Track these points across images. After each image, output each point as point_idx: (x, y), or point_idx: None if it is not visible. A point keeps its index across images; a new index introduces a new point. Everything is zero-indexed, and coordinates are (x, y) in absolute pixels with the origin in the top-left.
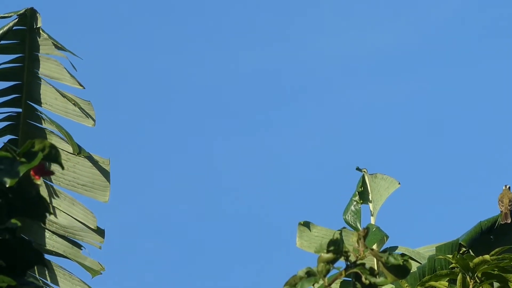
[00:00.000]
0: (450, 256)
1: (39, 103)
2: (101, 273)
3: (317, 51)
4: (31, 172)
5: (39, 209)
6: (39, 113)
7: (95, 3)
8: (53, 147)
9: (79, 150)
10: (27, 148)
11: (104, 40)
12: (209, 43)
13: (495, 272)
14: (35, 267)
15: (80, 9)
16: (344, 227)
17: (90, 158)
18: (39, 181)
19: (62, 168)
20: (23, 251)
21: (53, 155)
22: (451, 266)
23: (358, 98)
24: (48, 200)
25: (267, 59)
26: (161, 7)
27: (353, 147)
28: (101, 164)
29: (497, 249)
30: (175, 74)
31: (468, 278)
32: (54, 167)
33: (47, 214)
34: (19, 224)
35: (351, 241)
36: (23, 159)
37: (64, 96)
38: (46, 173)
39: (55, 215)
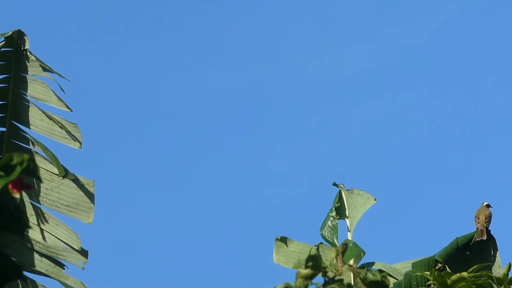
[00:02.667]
0: (428, 273)
1: (25, 124)
2: None
3: (299, 69)
4: (9, 186)
5: (18, 222)
6: (24, 134)
7: (83, 26)
8: (31, 160)
9: (65, 173)
10: (5, 162)
11: (91, 62)
12: (193, 60)
13: None
14: (19, 284)
15: (67, 31)
16: (321, 243)
17: (75, 179)
18: (18, 195)
19: (40, 182)
20: (1, 264)
21: (32, 169)
22: (428, 283)
23: (335, 115)
24: (33, 219)
25: (247, 76)
26: (148, 28)
27: (330, 163)
28: (86, 186)
29: (474, 266)
30: (160, 94)
31: None
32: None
33: (26, 228)
34: None
35: (328, 257)
36: (1, 173)
37: (50, 118)
38: (25, 187)
39: (42, 235)
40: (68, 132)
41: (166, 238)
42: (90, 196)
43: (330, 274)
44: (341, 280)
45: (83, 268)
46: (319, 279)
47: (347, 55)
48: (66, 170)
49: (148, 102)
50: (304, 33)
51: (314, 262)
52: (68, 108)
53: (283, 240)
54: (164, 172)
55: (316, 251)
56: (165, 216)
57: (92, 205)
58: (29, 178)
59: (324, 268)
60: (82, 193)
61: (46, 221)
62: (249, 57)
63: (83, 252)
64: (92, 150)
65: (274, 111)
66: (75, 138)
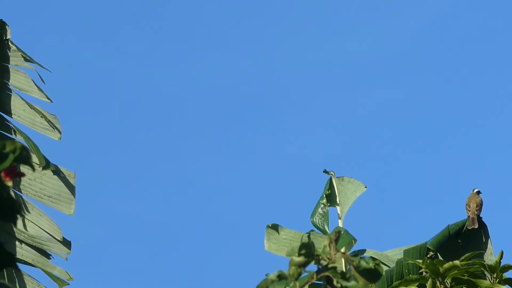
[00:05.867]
0: (420, 261)
1: (8, 113)
2: (69, 284)
3: (292, 58)
4: (2, 174)
5: (10, 211)
6: (7, 123)
7: (64, 16)
8: (24, 148)
9: (45, 164)
10: None
11: (72, 53)
12: (177, 49)
13: (465, 278)
14: (5, 273)
15: (49, 21)
16: (312, 230)
17: (56, 171)
18: (10, 183)
19: (33, 170)
20: None
21: (24, 157)
22: (420, 271)
23: (329, 103)
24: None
25: (240, 65)
26: (132, 17)
27: (321, 150)
28: (67, 177)
29: (467, 255)
30: (141, 86)
31: (438, 283)
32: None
33: (18, 216)
34: None
35: (319, 244)
36: None
37: (32, 107)
38: (17, 175)
39: (24, 224)
40: (49, 122)
41: (151, 227)
42: (71, 187)
43: (324, 262)
44: (335, 268)
45: (66, 259)
46: (312, 266)
47: (341, 44)
48: (47, 161)
49: (131, 94)
50: (298, 23)
51: (308, 250)
52: (48, 99)
53: (274, 227)
54: (148, 162)
55: (307, 238)
56: (149, 205)
57: (73, 196)
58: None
59: (318, 256)
60: (63, 184)
61: (29, 211)
62: (241, 47)
63: (66, 243)
64: (73, 142)
65: (265, 101)
66: (55, 128)
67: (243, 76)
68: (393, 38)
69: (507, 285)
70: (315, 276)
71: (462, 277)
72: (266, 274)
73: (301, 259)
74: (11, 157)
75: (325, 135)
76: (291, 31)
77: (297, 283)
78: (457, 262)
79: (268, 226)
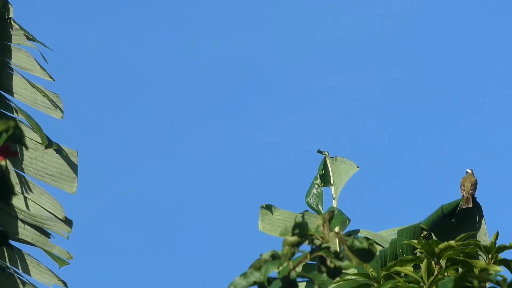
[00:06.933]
0: (415, 241)
1: (9, 92)
2: (69, 263)
3: (289, 38)
4: None
5: (3, 190)
6: (9, 102)
7: None
8: (17, 127)
9: (47, 143)
10: None
11: (74, 32)
12: (177, 30)
13: (460, 258)
14: (5, 253)
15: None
16: (306, 210)
17: (58, 149)
18: (3, 162)
19: (27, 148)
20: None
21: (17, 136)
22: (415, 251)
23: (322, 84)
24: (18, 188)
25: (238, 46)
26: (133, 2)
27: (315, 130)
28: (69, 156)
29: (462, 235)
30: (143, 66)
31: (433, 264)
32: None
33: (12, 195)
34: None
35: (314, 224)
36: None
37: (33, 86)
38: (11, 154)
39: (26, 203)
40: (51, 101)
41: (150, 207)
42: (73, 166)
43: (317, 242)
44: (328, 248)
45: (67, 238)
46: (305, 246)
47: (334, 25)
48: (49, 140)
49: (133, 72)
50: (293, 2)
51: (301, 230)
52: (51, 77)
53: (268, 208)
54: (150, 142)
55: (301, 218)
56: (149, 185)
57: (75, 175)
58: (15, 145)
59: (311, 235)
60: (65, 163)
61: (31, 190)
62: (238, 26)
63: (67, 222)
64: (75, 121)
65: (262, 82)
66: (57, 107)
67: (238, 54)
68: (379, 21)
69: (502, 266)
70: (308, 256)
71: (458, 258)
72: (260, 254)
73: (294, 238)
74: (4, 136)
75: (318, 116)
76: (283, 14)
77: (291, 263)
78: (452, 242)
79: (262, 207)
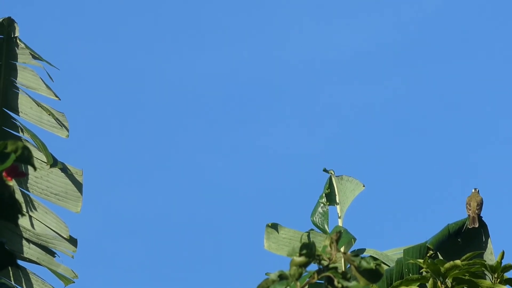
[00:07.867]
0: (421, 260)
1: (15, 111)
2: (74, 282)
3: (293, 52)
4: (4, 174)
5: (11, 210)
6: (14, 121)
7: (71, 13)
8: (25, 148)
9: (53, 162)
10: None
11: (79, 50)
12: (181, 40)
13: (466, 277)
14: (10, 271)
15: (56, 18)
16: (312, 229)
17: (63, 168)
18: (12, 183)
19: (35, 169)
20: None
21: (26, 156)
22: (421, 270)
23: (328, 99)
24: (23, 207)
25: (243, 55)
26: (137, 13)
27: (321, 148)
28: (74, 175)
29: (468, 254)
30: (148, 82)
31: (439, 283)
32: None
33: (20, 216)
34: None
35: (319, 244)
36: None
37: (39, 105)
38: (19, 175)
39: (31, 222)
40: (56, 120)
41: (155, 224)
42: (78, 185)
43: (324, 262)
44: (336, 268)
45: (72, 257)
46: (313, 266)
47: (342, 35)
48: (54, 159)
49: (137, 90)
50: (297, 11)
51: (308, 250)
52: (56, 96)
53: (274, 226)
54: (153, 159)
55: (307, 237)
56: (154, 202)
57: (80, 194)
58: (22, 166)
59: (319, 256)
60: (70, 182)
61: (36, 209)
62: (242, 35)
63: (72, 241)
64: (80, 140)
65: (268, 97)
66: (63, 126)
67: (246, 70)
68: (383, 32)
69: (508, 285)
70: (316, 276)
71: (463, 277)
72: (266, 273)
73: (302, 259)
74: (13, 156)
75: (324, 134)
76: (286, 26)
77: (298, 283)
78: (458, 261)
79: (267, 225)
